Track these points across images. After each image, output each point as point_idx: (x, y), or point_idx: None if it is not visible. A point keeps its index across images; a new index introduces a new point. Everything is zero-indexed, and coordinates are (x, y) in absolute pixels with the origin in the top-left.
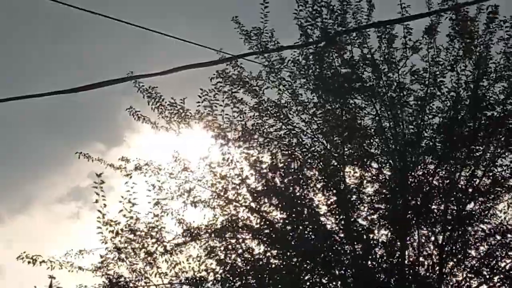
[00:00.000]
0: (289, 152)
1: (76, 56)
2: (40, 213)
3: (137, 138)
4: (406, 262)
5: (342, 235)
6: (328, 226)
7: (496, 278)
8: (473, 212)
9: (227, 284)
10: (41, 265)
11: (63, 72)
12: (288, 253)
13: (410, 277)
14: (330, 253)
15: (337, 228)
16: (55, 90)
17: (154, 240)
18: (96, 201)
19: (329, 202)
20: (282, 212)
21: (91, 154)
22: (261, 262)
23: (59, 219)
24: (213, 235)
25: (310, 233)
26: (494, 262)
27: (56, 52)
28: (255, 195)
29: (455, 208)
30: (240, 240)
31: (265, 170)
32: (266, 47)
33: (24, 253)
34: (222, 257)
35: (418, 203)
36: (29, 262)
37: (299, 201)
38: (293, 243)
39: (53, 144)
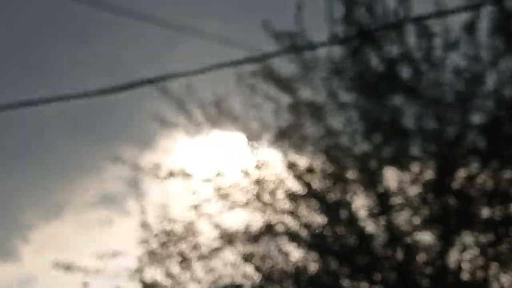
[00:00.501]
0: (327, 153)
1: (106, 58)
2: (71, 220)
3: (170, 140)
4: (449, 266)
5: (382, 239)
6: (368, 230)
7: None
8: None
9: None
10: (75, 273)
11: (93, 74)
12: (327, 258)
13: (453, 282)
14: (370, 258)
15: (377, 231)
16: (85, 92)
17: (189, 245)
18: (136, 199)
19: (369, 205)
20: (320, 215)
21: (123, 158)
22: (299, 267)
23: (91, 226)
24: (250, 240)
25: (350, 237)
26: None
27: (86, 54)
28: (293, 198)
29: (500, 209)
30: (278, 245)
31: (302, 173)
32: (300, 46)
33: (57, 260)
34: (259, 262)
35: (462, 205)
36: (63, 270)
37: (337, 204)
38: (332, 247)
39: (84, 149)
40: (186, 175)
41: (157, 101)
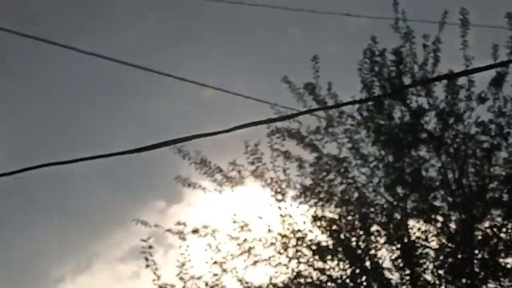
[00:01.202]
0: (351, 206)
1: (137, 116)
2: (102, 273)
3: (196, 195)
4: None
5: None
6: (393, 282)
7: None
8: None
9: None
10: None
11: (125, 132)
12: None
13: None
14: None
15: (402, 283)
16: (120, 151)
17: None
18: (147, 266)
19: (393, 257)
20: (345, 267)
21: (152, 212)
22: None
23: (121, 279)
24: None
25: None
26: None
27: (117, 113)
28: (317, 250)
29: None
30: None
31: (327, 224)
32: (324, 102)
33: None
34: None
35: (486, 256)
36: None
37: (362, 255)
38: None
39: (115, 203)
40: (211, 230)
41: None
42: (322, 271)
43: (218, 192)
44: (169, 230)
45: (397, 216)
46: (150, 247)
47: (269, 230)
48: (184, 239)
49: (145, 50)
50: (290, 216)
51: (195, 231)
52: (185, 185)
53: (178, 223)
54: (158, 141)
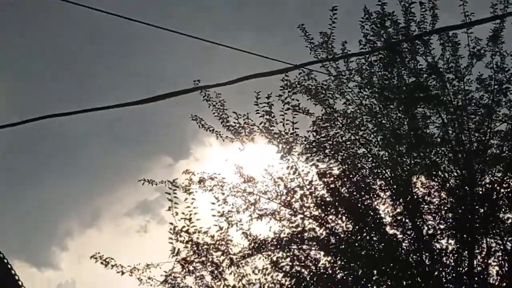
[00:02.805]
0: (357, 161)
1: (142, 72)
2: (108, 227)
3: (203, 150)
4: (474, 271)
5: (409, 245)
6: (395, 236)
7: None
8: None
9: None
10: (113, 269)
11: (130, 87)
12: (355, 264)
13: (478, 287)
14: (396, 263)
15: (403, 238)
16: (121, 103)
17: (220, 253)
18: (169, 208)
19: (395, 212)
20: (348, 222)
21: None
22: (327, 273)
23: (127, 233)
24: (279, 247)
25: (377, 244)
26: None
27: (123, 68)
28: (322, 205)
29: None
30: (306, 252)
31: (332, 181)
32: (334, 54)
33: (97, 254)
34: (288, 268)
35: (486, 211)
36: (101, 263)
37: (365, 211)
38: (359, 253)
39: (121, 158)
40: (217, 182)
41: (192, 111)
42: (325, 226)
43: (229, 141)
44: (174, 184)
45: (401, 172)
46: (176, 187)
47: (275, 184)
48: (190, 192)
49: (153, 5)
50: (296, 171)
51: (201, 181)
52: (199, 125)
53: (186, 172)
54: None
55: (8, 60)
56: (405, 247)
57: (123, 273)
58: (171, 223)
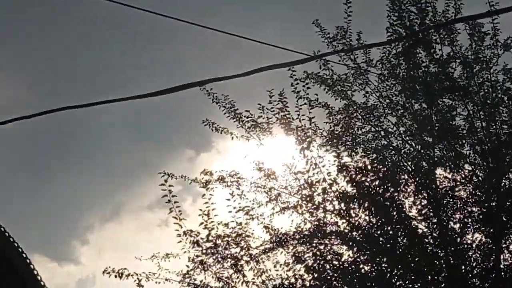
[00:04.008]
0: (379, 154)
1: (163, 63)
2: (130, 221)
3: (225, 143)
4: (501, 265)
5: (434, 239)
6: (420, 230)
7: None
8: None
9: None
10: (128, 279)
11: (152, 78)
12: (378, 259)
13: (506, 281)
14: (422, 258)
15: (428, 232)
16: (138, 94)
17: (239, 248)
18: (170, 211)
19: (420, 206)
20: (371, 216)
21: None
22: (350, 268)
23: (148, 227)
24: (301, 241)
25: (401, 238)
26: None
27: (144, 59)
28: (344, 199)
29: None
30: (329, 246)
31: (354, 174)
32: (352, 45)
33: (110, 268)
34: (311, 263)
35: None
36: (115, 276)
37: (389, 205)
38: (383, 248)
39: (143, 152)
40: (237, 179)
41: (212, 104)
42: (347, 220)
43: (245, 139)
44: (195, 180)
45: (425, 164)
46: (170, 191)
47: (296, 179)
48: (208, 188)
49: None
50: (316, 165)
51: (221, 179)
52: (212, 129)
53: (204, 172)
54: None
55: (29, 49)
56: (430, 242)
57: (139, 284)
58: (178, 226)
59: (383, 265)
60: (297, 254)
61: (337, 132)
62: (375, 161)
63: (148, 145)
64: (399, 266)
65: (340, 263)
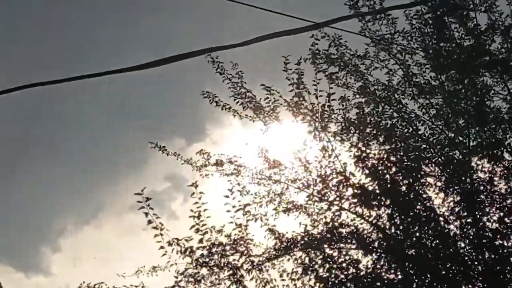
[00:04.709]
0: (403, 143)
1: (156, 35)
2: (110, 224)
3: (222, 131)
4: None
5: (468, 242)
6: (451, 232)
7: None
8: None
9: None
10: None
11: (143, 51)
12: (403, 265)
13: None
14: (454, 264)
15: (462, 233)
16: (123, 67)
17: (239, 255)
18: (149, 222)
19: (452, 203)
20: (394, 215)
21: (170, 151)
22: (369, 277)
23: (133, 230)
24: (311, 246)
25: (430, 240)
26: None
27: (134, 30)
28: (362, 195)
29: None
30: (344, 251)
31: (374, 166)
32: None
33: (84, 284)
34: (322, 272)
35: None
36: None
37: (415, 202)
38: (408, 252)
39: (124, 142)
40: (239, 166)
41: (208, 88)
42: (366, 220)
43: (250, 119)
44: (189, 161)
45: (458, 154)
46: (148, 199)
47: (306, 171)
48: (198, 186)
49: None
50: (330, 155)
51: (218, 163)
52: (213, 102)
53: (200, 153)
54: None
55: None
56: (464, 245)
57: None
58: (157, 230)
59: (410, 272)
60: (306, 262)
61: (353, 118)
62: (399, 151)
63: (132, 134)
64: (428, 274)
65: (358, 271)
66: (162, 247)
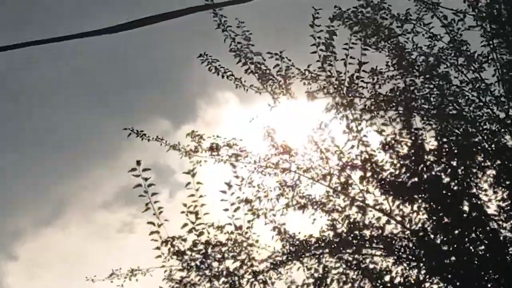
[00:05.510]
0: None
1: None
2: (77, 225)
3: (217, 111)
4: None
5: None
6: (502, 234)
7: None
8: None
9: None
10: None
11: (112, 14)
12: (443, 275)
13: None
14: (506, 274)
15: None
16: (89, 31)
17: (239, 261)
18: (147, 209)
19: (502, 201)
20: (432, 215)
21: (152, 136)
22: None
23: (105, 233)
24: (327, 251)
25: (477, 246)
26: None
27: None
28: (391, 190)
29: None
30: (368, 259)
31: (407, 153)
32: None
33: None
34: (342, 283)
35: None
36: None
37: (459, 198)
38: (450, 260)
39: (94, 125)
40: (240, 151)
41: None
42: (397, 220)
43: (256, 91)
44: (176, 147)
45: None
46: (147, 179)
47: (323, 158)
48: (195, 174)
49: None
50: (356, 138)
51: (213, 148)
52: (211, 68)
53: (191, 135)
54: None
55: None
56: None
57: None
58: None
59: (450, 281)
60: (321, 270)
61: (383, 94)
62: (440, 137)
63: (105, 115)
64: (476, 284)
65: (386, 282)
66: (158, 248)
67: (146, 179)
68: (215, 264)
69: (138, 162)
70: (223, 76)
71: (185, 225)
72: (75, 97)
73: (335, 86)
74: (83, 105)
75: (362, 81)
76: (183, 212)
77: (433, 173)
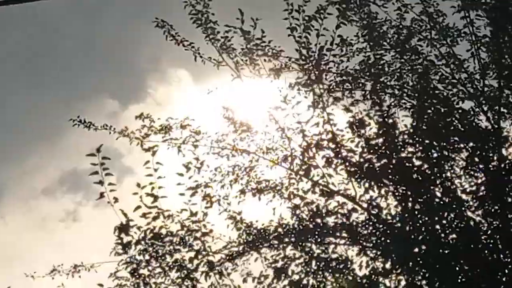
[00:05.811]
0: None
1: None
2: (14, 215)
3: (168, 89)
4: None
5: (494, 235)
6: (474, 222)
7: None
8: None
9: None
10: None
11: None
12: (411, 266)
13: None
14: (477, 264)
15: (487, 225)
16: None
17: (193, 252)
18: (101, 195)
19: (475, 185)
20: (402, 200)
21: (98, 117)
22: (366, 283)
23: (46, 223)
24: (286, 241)
25: (449, 233)
26: None
27: None
28: (358, 174)
29: None
30: (331, 248)
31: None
32: None
33: None
34: (303, 275)
35: None
36: None
37: (432, 185)
38: (419, 250)
39: (32, 106)
40: (194, 132)
41: (151, 34)
42: (364, 207)
43: (214, 64)
44: (123, 132)
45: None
46: (105, 158)
47: (283, 137)
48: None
49: None
50: (323, 112)
51: (165, 129)
52: (167, 36)
53: (141, 117)
54: None
55: None
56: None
57: None
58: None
59: (419, 274)
60: (280, 261)
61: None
62: (413, 115)
63: (44, 94)
64: (445, 275)
65: (352, 273)
66: (121, 239)
67: (104, 168)
68: (168, 255)
69: (98, 150)
70: (179, 44)
71: (138, 207)
72: (11, 75)
73: (304, 57)
74: (21, 84)
75: (332, 55)
76: (136, 193)
77: (404, 155)
